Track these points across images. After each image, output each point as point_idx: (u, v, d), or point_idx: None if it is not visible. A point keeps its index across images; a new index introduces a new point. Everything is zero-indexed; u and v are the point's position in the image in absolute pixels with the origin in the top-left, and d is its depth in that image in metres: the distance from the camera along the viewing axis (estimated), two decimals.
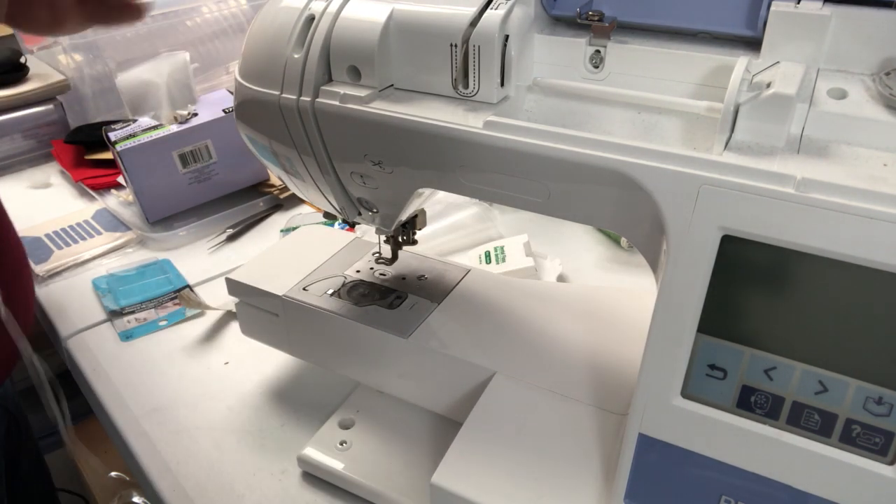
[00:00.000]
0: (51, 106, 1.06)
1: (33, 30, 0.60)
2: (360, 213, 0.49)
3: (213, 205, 0.88)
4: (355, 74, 0.41)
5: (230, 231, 0.85)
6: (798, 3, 0.33)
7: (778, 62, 0.34)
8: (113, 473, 1.09)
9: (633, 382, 0.37)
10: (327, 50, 0.41)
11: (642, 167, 0.33)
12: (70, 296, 0.76)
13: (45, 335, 0.77)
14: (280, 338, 0.57)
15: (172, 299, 0.74)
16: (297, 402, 0.59)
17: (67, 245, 0.84)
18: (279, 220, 0.88)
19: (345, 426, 0.54)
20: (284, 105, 0.42)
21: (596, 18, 0.37)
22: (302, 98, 0.41)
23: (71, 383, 0.67)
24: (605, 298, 0.54)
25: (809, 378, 0.32)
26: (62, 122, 1.07)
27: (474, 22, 0.37)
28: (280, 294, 0.54)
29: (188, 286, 0.75)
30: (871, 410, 0.32)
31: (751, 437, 0.34)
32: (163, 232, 0.84)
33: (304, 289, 0.55)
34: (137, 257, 0.82)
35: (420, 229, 0.53)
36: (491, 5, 0.37)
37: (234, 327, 0.68)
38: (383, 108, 0.39)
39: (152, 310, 0.72)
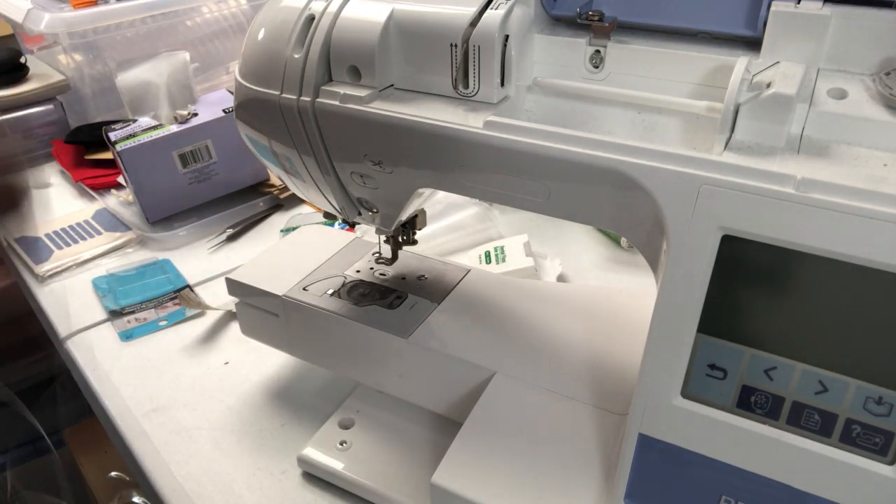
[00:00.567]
0: (51, 106, 1.06)
1: None
2: (360, 213, 0.49)
3: (213, 205, 0.88)
4: (355, 74, 0.41)
5: (230, 231, 0.85)
6: (798, 3, 0.33)
7: (778, 62, 0.34)
8: (113, 473, 1.09)
9: (633, 382, 0.37)
10: (327, 50, 0.41)
11: (642, 167, 0.33)
12: (70, 296, 0.76)
13: (45, 335, 0.77)
14: (280, 338, 0.57)
15: (172, 299, 0.74)
16: (297, 402, 0.59)
17: (67, 245, 0.84)
18: (279, 220, 0.88)
19: (345, 426, 0.54)
20: (284, 105, 0.42)
21: (596, 18, 0.37)
22: (302, 98, 0.41)
23: (71, 383, 0.67)
24: (605, 298, 0.54)
25: (809, 378, 0.32)
26: (62, 122, 1.07)
27: (474, 22, 0.37)
28: (280, 294, 0.54)
29: (188, 286, 0.75)
30: (871, 410, 0.32)
31: (751, 437, 0.34)
32: (163, 232, 0.84)
33: (304, 289, 0.55)
34: (137, 257, 0.82)
35: (420, 229, 0.53)
36: (491, 5, 0.37)
37: (234, 327, 0.68)
38: (383, 108, 0.39)
39: (152, 310, 0.72)
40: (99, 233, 0.86)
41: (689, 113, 0.37)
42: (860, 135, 0.32)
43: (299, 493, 0.51)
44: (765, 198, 0.30)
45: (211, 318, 0.71)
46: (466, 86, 0.39)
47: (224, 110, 0.86)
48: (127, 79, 0.90)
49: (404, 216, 0.49)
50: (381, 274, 0.56)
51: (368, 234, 0.68)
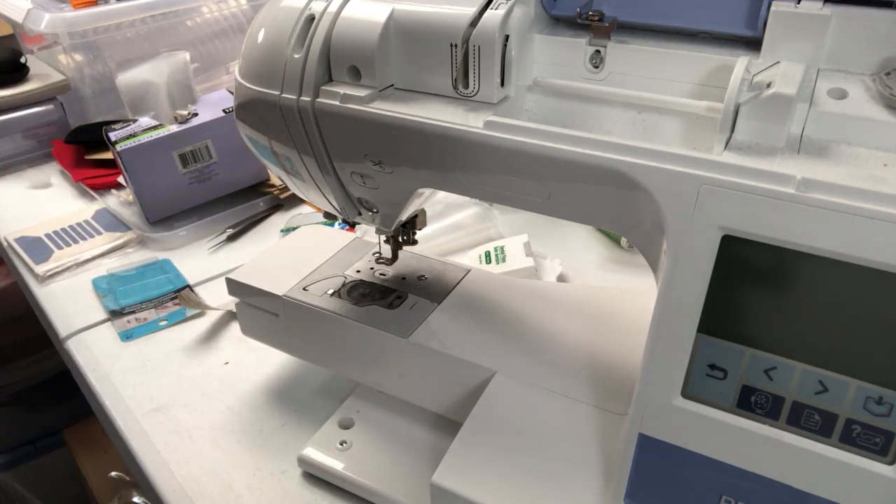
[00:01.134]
0: (51, 106, 1.06)
1: None
2: (360, 213, 0.49)
3: (213, 205, 0.88)
4: (355, 74, 0.41)
5: (230, 231, 0.85)
6: (798, 3, 0.33)
7: (778, 62, 0.34)
8: (113, 473, 1.09)
9: (633, 382, 0.37)
10: (327, 50, 0.41)
11: (642, 167, 0.33)
12: (70, 296, 0.75)
13: (45, 335, 0.77)
14: (280, 338, 0.57)
15: (172, 299, 0.74)
16: (297, 402, 0.59)
17: (67, 245, 0.84)
18: (279, 220, 0.88)
19: (345, 426, 0.54)
20: (284, 105, 0.42)
21: (596, 18, 0.37)
22: (302, 98, 0.41)
23: (71, 383, 0.67)
24: (605, 298, 0.54)
25: (809, 378, 0.32)
26: (62, 122, 1.07)
27: (474, 22, 0.37)
28: (280, 294, 0.54)
29: (188, 286, 0.75)
30: (871, 410, 0.32)
31: (751, 437, 0.34)
32: (163, 232, 0.84)
33: (304, 289, 0.55)
34: (137, 257, 0.82)
35: (420, 229, 0.53)
36: (491, 5, 0.37)
37: (234, 327, 0.68)
38: (383, 108, 0.39)
39: (152, 310, 0.72)
40: (99, 233, 0.86)
41: (689, 113, 0.37)
42: (860, 135, 0.32)
43: (299, 493, 0.51)
44: (765, 198, 0.30)
45: (211, 318, 0.71)
46: (466, 86, 0.39)
47: (224, 110, 0.86)
48: (127, 79, 0.90)
49: (404, 216, 0.49)
50: (381, 274, 0.56)
51: (368, 234, 0.68)
